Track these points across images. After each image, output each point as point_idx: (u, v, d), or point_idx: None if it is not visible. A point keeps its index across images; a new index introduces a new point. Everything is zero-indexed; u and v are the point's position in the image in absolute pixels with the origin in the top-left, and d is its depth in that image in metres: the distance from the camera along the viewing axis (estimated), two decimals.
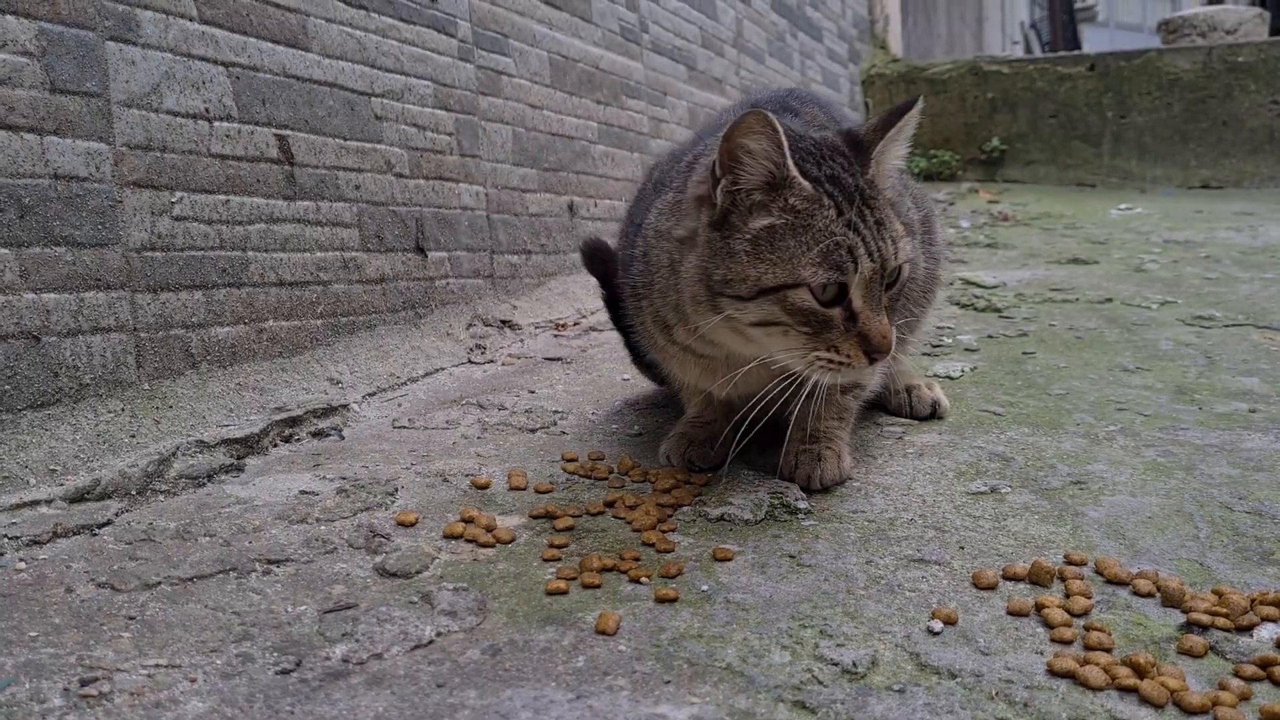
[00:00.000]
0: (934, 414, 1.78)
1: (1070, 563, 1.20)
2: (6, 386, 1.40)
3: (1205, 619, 1.04)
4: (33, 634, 1.03)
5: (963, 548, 1.25)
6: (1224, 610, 1.05)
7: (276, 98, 1.86)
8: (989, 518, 1.35)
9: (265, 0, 1.84)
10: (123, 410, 1.55)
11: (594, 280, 1.96)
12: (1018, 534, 1.29)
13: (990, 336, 2.37)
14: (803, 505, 1.38)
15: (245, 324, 1.79)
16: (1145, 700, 0.91)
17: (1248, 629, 1.03)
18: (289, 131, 1.89)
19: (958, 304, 2.75)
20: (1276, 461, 1.51)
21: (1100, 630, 1.02)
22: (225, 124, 1.75)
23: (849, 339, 1.22)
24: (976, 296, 2.81)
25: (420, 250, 2.23)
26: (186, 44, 1.69)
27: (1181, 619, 1.06)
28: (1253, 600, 1.07)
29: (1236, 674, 0.95)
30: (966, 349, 2.28)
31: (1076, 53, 6.02)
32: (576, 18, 2.91)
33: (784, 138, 1.20)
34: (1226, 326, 2.34)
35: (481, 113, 2.45)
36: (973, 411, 1.82)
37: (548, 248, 2.71)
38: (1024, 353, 2.21)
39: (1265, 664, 0.96)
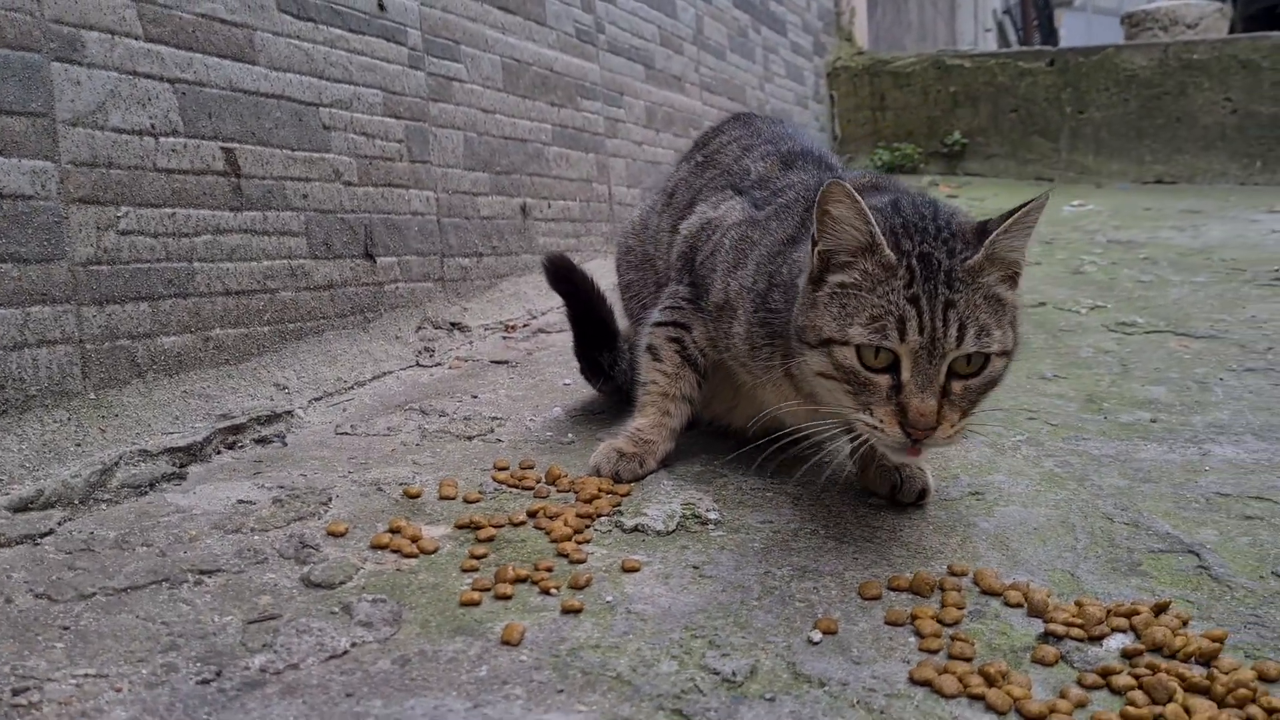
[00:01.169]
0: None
1: (952, 573, 1.28)
2: None
3: (1061, 629, 1.13)
4: None
5: (856, 558, 1.33)
6: (1080, 621, 1.14)
7: (223, 111, 1.92)
8: (887, 528, 1.43)
9: (212, 16, 1.90)
10: (68, 420, 1.61)
11: (545, 281, 2.01)
12: (911, 544, 1.38)
13: None
14: (713, 516, 1.46)
15: (192, 333, 1.85)
16: (990, 707, 1.00)
17: (1099, 639, 1.12)
18: (236, 144, 1.94)
19: None
20: (1164, 473, 1.61)
21: (964, 640, 1.11)
22: (171, 139, 1.81)
23: (887, 406, 1.25)
24: None
25: (369, 256, 2.29)
26: (132, 62, 1.74)
27: (1043, 628, 1.15)
28: (1108, 611, 1.16)
29: (1079, 682, 1.04)
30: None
31: (1037, 48, 6.10)
32: (531, 21, 2.96)
33: (864, 207, 1.27)
34: (1147, 333, 2.44)
35: (432, 119, 2.51)
36: None
37: (499, 249, 2.77)
38: None
39: (1106, 673, 1.05)
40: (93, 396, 1.66)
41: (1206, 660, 1.07)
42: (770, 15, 5.13)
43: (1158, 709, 0.98)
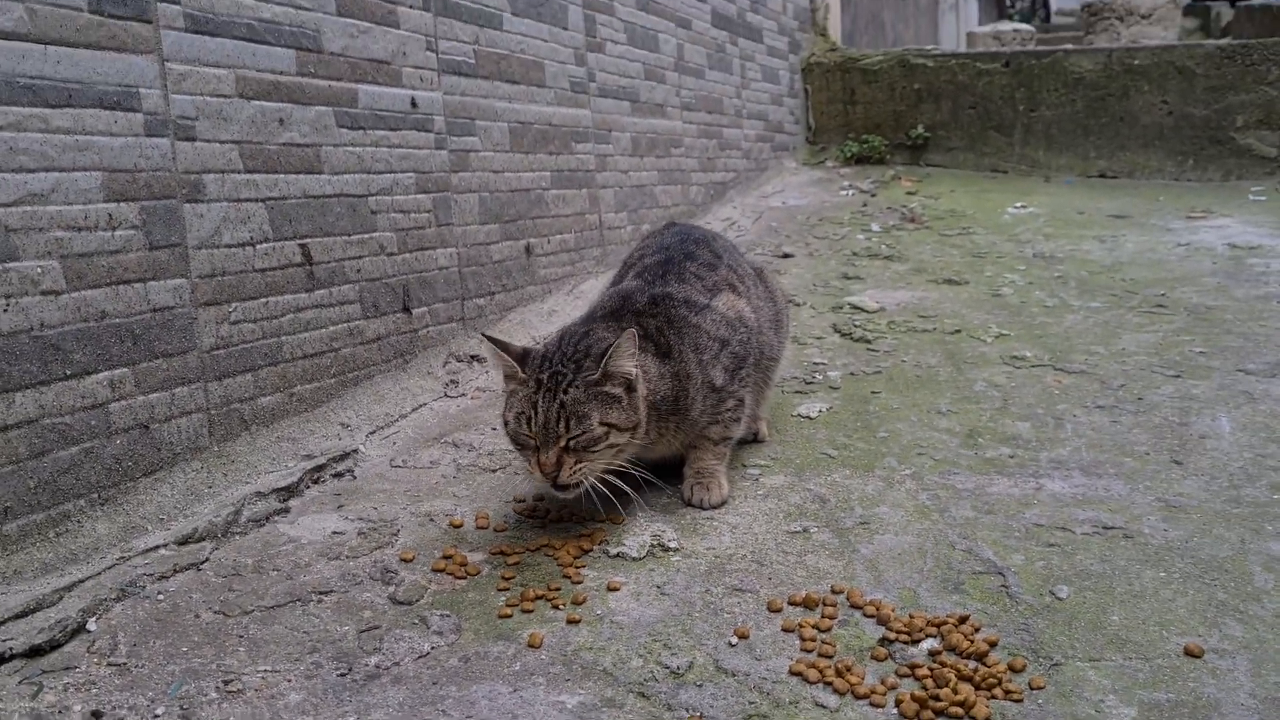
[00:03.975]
0: (756, 439, 2.54)
1: (833, 591, 1.87)
2: (129, 463, 2.04)
3: (894, 635, 1.72)
4: (184, 649, 1.70)
5: (771, 579, 1.93)
6: (908, 629, 1.74)
7: (299, 215, 2.47)
8: (796, 553, 2.02)
9: (290, 144, 2.44)
10: (202, 469, 2.19)
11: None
12: (811, 567, 1.97)
13: (852, 374, 3.04)
14: (674, 545, 2.05)
15: (280, 391, 2.42)
16: (835, 690, 1.59)
17: (917, 642, 1.72)
18: (309, 239, 2.50)
19: (840, 333, 3.41)
20: (1004, 505, 2.20)
21: (829, 643, 1.70)
22: (264, 244, 2.36)
23: (533, 459, 1.99)
24: (856, 325, 3.46)
25: (406, 310, 2.86)
26: (236, 192, 2.29)
27: (883, 634, 1.75)
28: (928, 621, 1.76)
29: (896, 673, 1.64)
30: (830, 387, 2.95)
31: (993, 50, 6.56)
32: (533, 86, 3.48)
33: (500, 350, 2.06)
34: (1032, 367, 3.01)
35: (453, 187, 3.05)
36: (816, 453, 2.49)
37: (508, 286, 3.33)
38: (872, 392, 2.88)
39: (913, 667, 1.64)
40: (216, 449, 2.24)
41: (981, 657, 1.67)
42: (747, 26, 5.60)
43: (937, 690, 1.58)
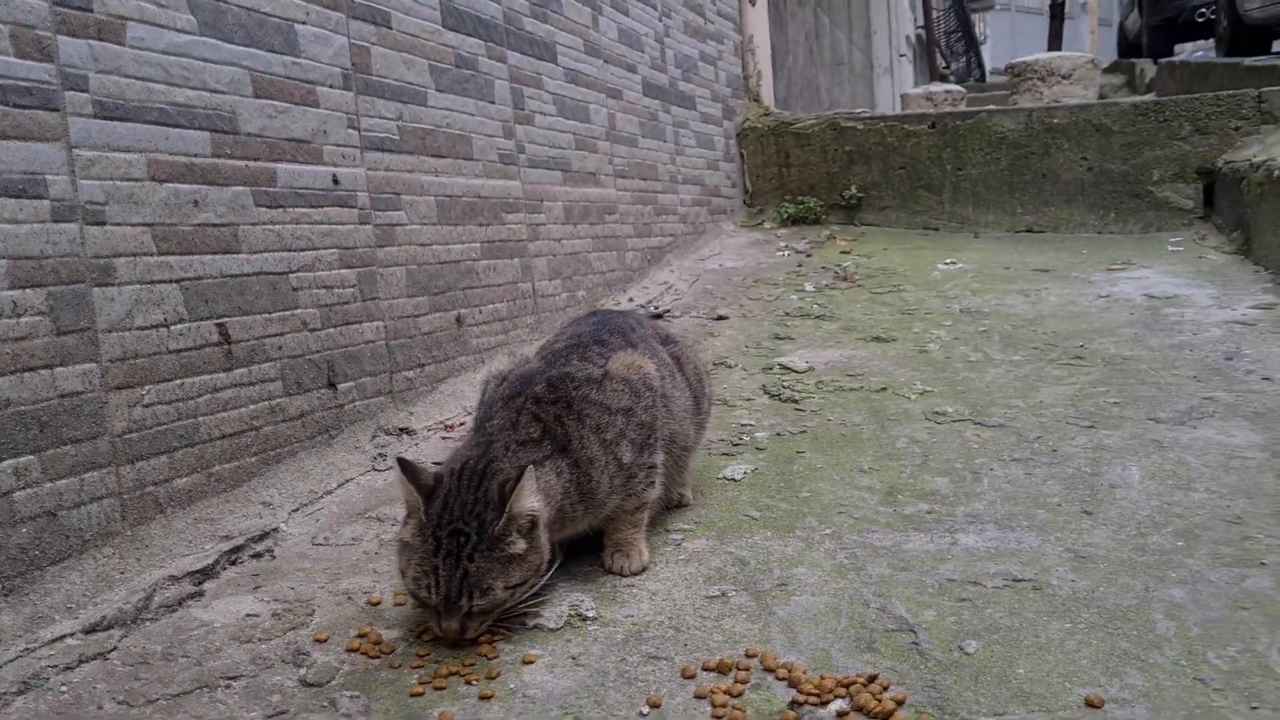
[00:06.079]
0: (680, 503, 2.56)
1: (747, 655, 1.88)
2: (36, 552, 2.01)
3: (803, 698, 1.73)
4: None
5: (687, 645, 1.93)
6: (817, 691, 1.75)
7: (216, 295, 2.47)
8: (713, 618, 2.03)
9: (206, 224, 2.45)
10: (114, 554, 2.16)
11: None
12: (728, 631, 1.98)
13: (779, 434, 3.08)
14: (592, 614, 2.05)
15: (198, 473, 2.41)
16: None
17: (826, 704, 1.73)
18: (226, 319, 2.50)
19: (769, 394, 3.45)
20: (919, 562, 2.23)
21: (739, 709, 1.71)
22: (179, 325, 2.37)
23: (435, 621, 1.92)
24: (785, 385, 3.51)
25: (332, 385, 2.86)
26: (149, 274, 2.29)
27: (793, 696, 1.76)
28: (838, 682, 1.77)
29: None
30: (757, 448, 2.98)
31: (919, 113, 6.76)
32: (460, 159, 3.53)
33: (406, 481, 1.94)
34: (953, 422, 3.07)
35: (379, 262, 3.07)
36: (739, 516, 2.52)
37: (438, 357, 3.35)
38: (797, 452, 2.92)
39: None
40: (129, 533, 2.22)
41: (887, 717, 1.68)
42: (680, 95, 5.72)
43: None
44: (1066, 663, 1.79)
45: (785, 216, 6.56)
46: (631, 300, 4.74)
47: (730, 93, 6.64)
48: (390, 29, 3.18)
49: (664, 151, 5.46)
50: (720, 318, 4.51)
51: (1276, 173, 4.62)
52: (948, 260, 5.44)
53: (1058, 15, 12.93)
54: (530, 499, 1.94)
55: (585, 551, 2.30)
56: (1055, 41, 12.77)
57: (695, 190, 5.95)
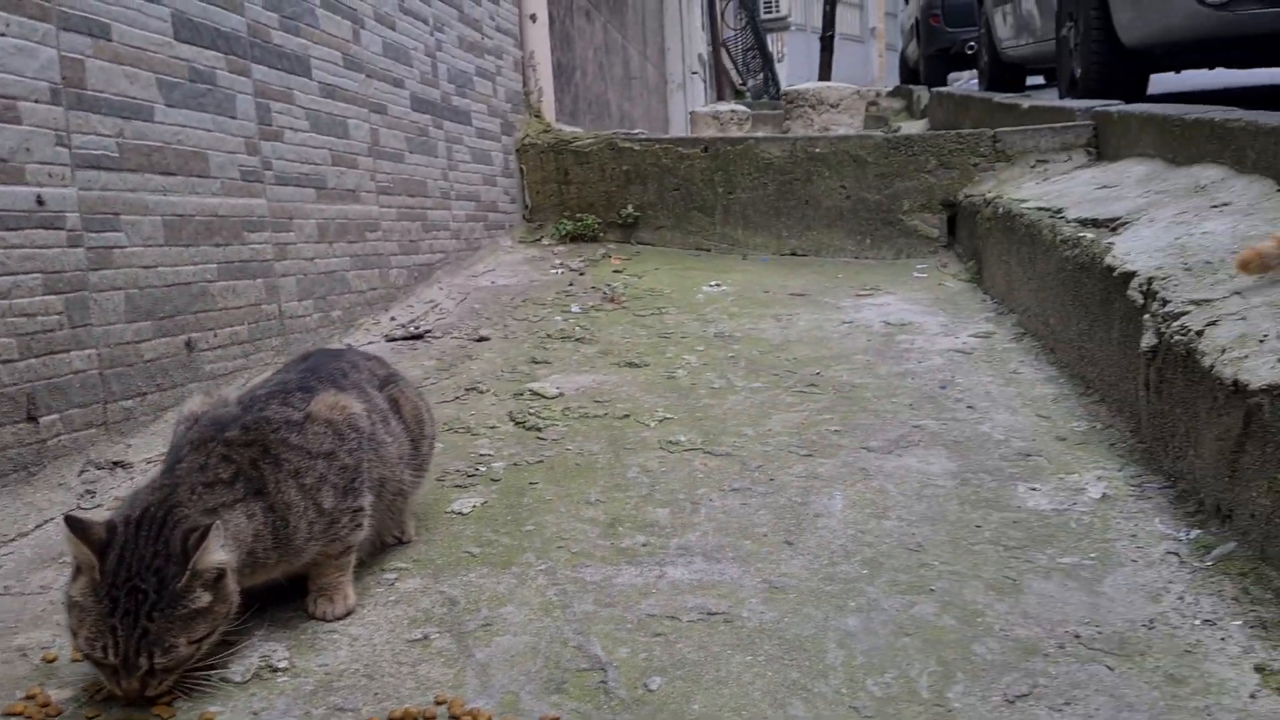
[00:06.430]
0: (401, 540, 2.54)
1: (436, 703, 1.88)
2: None
3: None
4: None
5: (378, 694, 1.92)
6: None
7: None
8: (410, 663, 2.03)
9: None
10: None
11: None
12: (422, 677, 1.98)
13: (516, 464, 3.10)
14: (283, 664, 2.01)
15: None
16: None
17: None
18: None
19: (515, 421, 3.47)
20: (624, 596, 2.29)
21: None
22: None
23: (114, 681, 1.81)
24: (532, 412, 3.55)
25: (32, 419, 2.68)
26: None
27: None
28: None
29: None
30: (492, 479, 2.99)
31: (692, 136, 6.96)
32: (194, 177, 3.38)
33: (74, 538, 1.80)
34: (685, 451, 3.17)
35: (93, 286, 2.91)
36: (459, 552, 2.52)
37: (164, 385, 3.19)
38: (530, 483, 2.95)
39: None
40: None
41: None
42: (453, 110, 5.68)
43: None
44: (740, 696, 1.89)
45: (564, 233, 6.62)
46: (394, 319, 4.67)
47: (510, 108, 6.64)
48: (110, 41, 3.02)
49: (435, 167, 5.40)
50: (482, 339, 4.51)
51: (1001, 209, 5.03)
52: (713, 282, 5.62)
53: (827, 48, 13.72)
54: (217, 553, 1.87)
55: (292, 596, 2.25)
56: (825, 72, 13.55)
57: (470, 206, 5.92)
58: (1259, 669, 1.87)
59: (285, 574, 2.16)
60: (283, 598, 2.23)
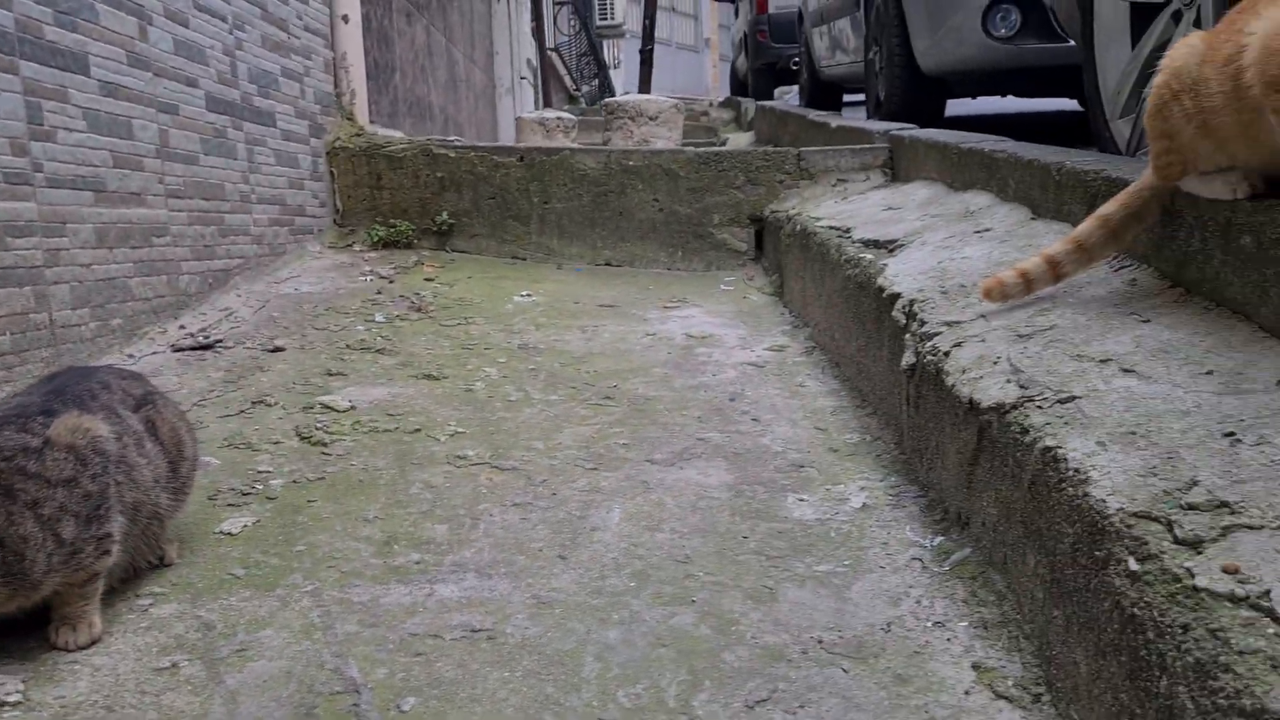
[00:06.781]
0: (163, 563, 2.47)
1: None
2: None
3: None
4: None
5: None
6: None
7: None
8: (155, 693, 1.96)
9: None
10: None
11: None
12: (165, 708, 1.92)
13: (295, 481, 3.03)
14: (15, 698, 1.91)
15: None
16: None
17: None
18: None
19: (301, 437, 3.39)
20: (391, 616, 2.28)
21: None
22: None
23: None
24: (320, 426, 3.48)
25: None
26: None
27: None
28: None
29: None
30: (268, 497, 2.92)
31: (508, 145, 6.97)
32: None
33: None
34: (472, 465, 3.18)
35: None
36: (222, 575, 2.45)
37: None
38: (308, 501, 2.89)
39: None
40: None
41: None
42: (255, 111, 5.50)
43: None
44: (493, 713, 1.92)
45: (377, 239, 6.51)
46: (183, 328, 4.49)
47: (320, 110, 6.48)
48: None
49: (234, 170, 5.22)
50: (277, 349, 4.39)
51: (799, 226, 5.24)
52: (525, 292, 5.64)
53: (647, 62, 14.05)
54: None
55: (34, 625, 2.14)
56: (645, 85, 13.88)
57: (274, 210, 5.74)
58: (975, 666, 2.03)
59: (21, 608, 2.05)
60: (26, 627, 2.13)
